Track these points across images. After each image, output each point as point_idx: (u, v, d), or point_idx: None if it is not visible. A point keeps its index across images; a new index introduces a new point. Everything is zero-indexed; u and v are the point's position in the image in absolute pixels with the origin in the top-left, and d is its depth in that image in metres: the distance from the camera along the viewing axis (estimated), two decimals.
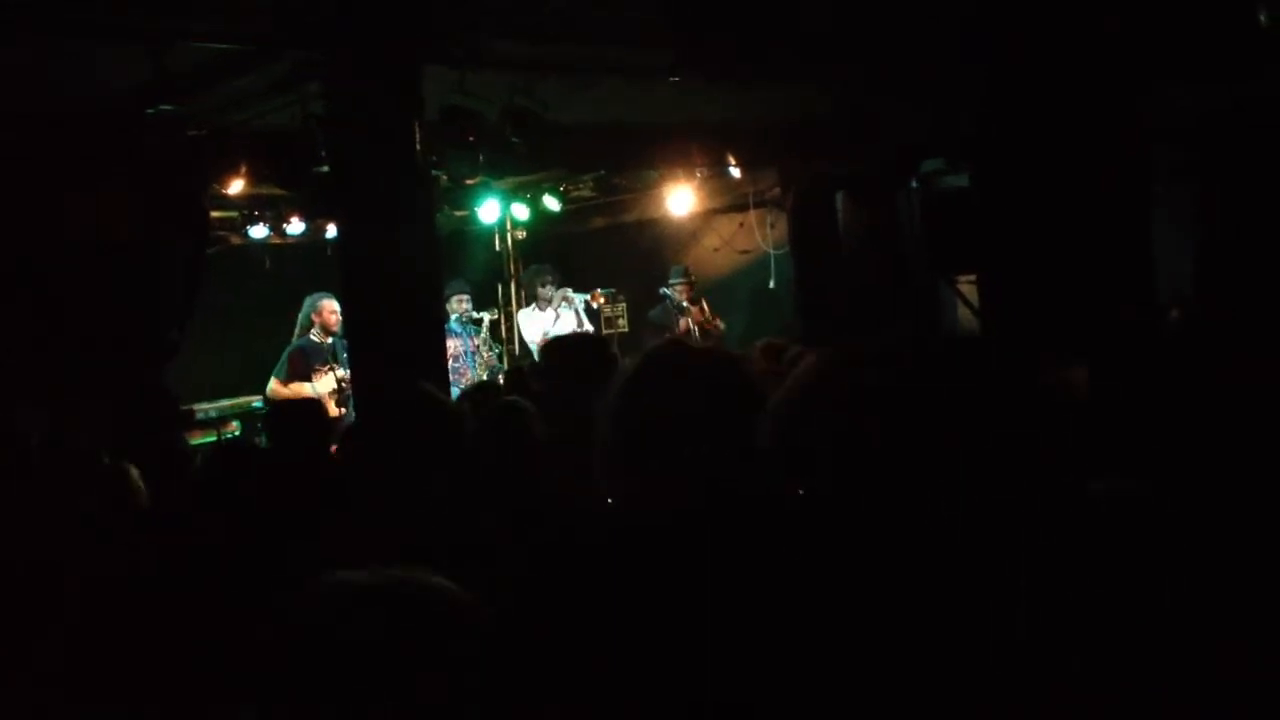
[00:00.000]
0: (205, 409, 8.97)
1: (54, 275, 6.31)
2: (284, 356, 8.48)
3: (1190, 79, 5.86)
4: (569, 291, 9.82)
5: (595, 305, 9.99)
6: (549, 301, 9.83)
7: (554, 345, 4.78)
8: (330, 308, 8.38)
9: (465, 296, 9.64)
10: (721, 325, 9.89)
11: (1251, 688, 1.18)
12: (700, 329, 9.68)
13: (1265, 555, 1.36)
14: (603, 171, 9.96)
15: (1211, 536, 1.45)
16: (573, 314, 9.75)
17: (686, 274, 10.02)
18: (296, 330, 8.60)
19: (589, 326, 9.85)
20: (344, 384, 8.02)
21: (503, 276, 11.51)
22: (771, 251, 10.31)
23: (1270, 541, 1.38)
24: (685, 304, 9.80)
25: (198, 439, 8.02)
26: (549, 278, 9.92)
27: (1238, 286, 5.76)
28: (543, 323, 9.81)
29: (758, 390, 1.89)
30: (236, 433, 9.13)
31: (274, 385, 8.46)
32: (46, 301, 6.28)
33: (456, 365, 9.06)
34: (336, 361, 8.22)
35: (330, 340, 8.39)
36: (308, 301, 8.58)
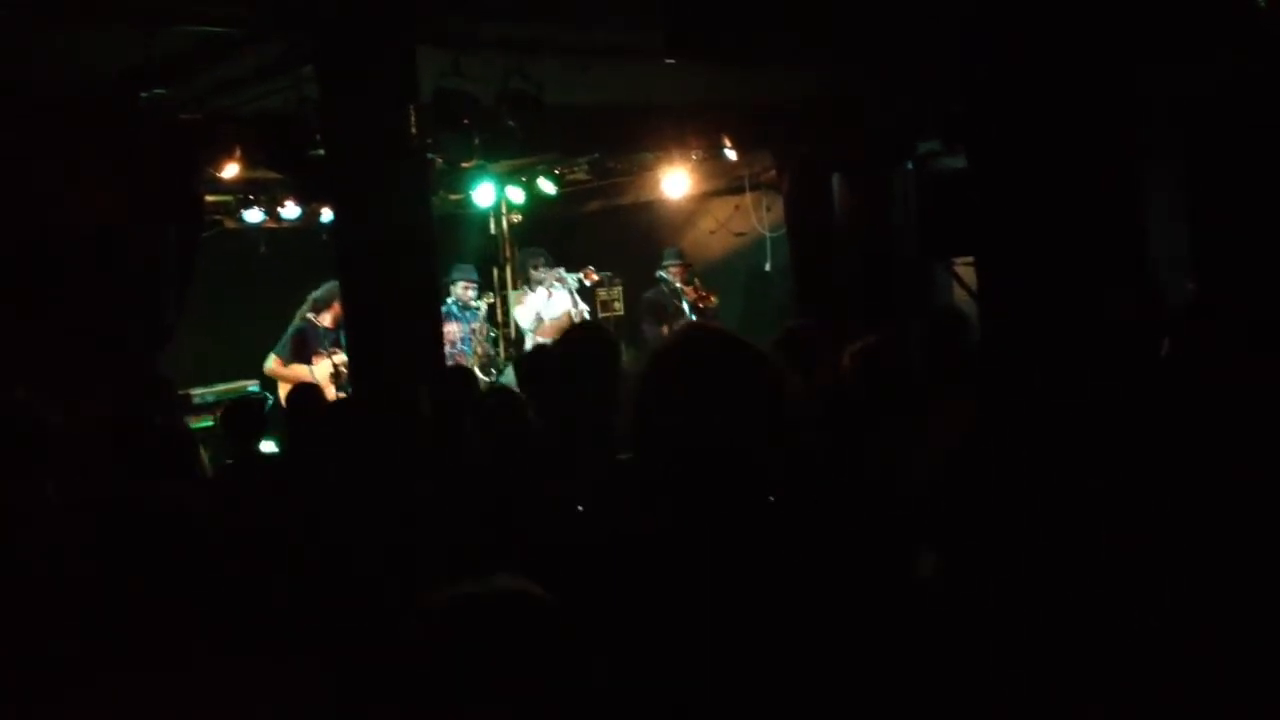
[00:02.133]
0: (201, 394, 8.96)
1: (47, 261, 6.29)
2: (288, 335, 8.45)
3: (1186, 59, 5.84)
4: (561, 271, 9.81)
5: (589, 283, 9.97)
6: (540, 283, 9.82)
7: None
8: None
9: (471, 283, 9.63)
10: (714, 300, 9.90)
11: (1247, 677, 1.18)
12: (694, 307, 9.69)
13: (1266, 549, 1.36)
14: (598, 154, 9.94)
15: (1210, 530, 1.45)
16: (566, 294, 9.74)
17: (680, 255, 10.03)
18: (308, 306, 8.51)
19: (583, 306, 9.85)
20: (341, 369, 8.02)
21: (498, 260, 11.49)
22: (767, 234, 10.30)
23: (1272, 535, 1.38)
24: (680, 286, 9.80)
25: (194, 424, 8.03)
26: (541, 260, 9.92)
27: (1236, 272, 5.77)
28: (535, 304, 9.81)
29: (779, 391, 1.82)
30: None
31: (273, 363, 8.44)
32: (40, 288, 6.26)
33: (453, 351, 9.05)
34: (338, 346, 8.21)
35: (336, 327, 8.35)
36: (330, 286, 8.42)
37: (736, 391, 1.75)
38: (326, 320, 8.44)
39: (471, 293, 9.62)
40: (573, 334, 3.66)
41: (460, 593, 1.54)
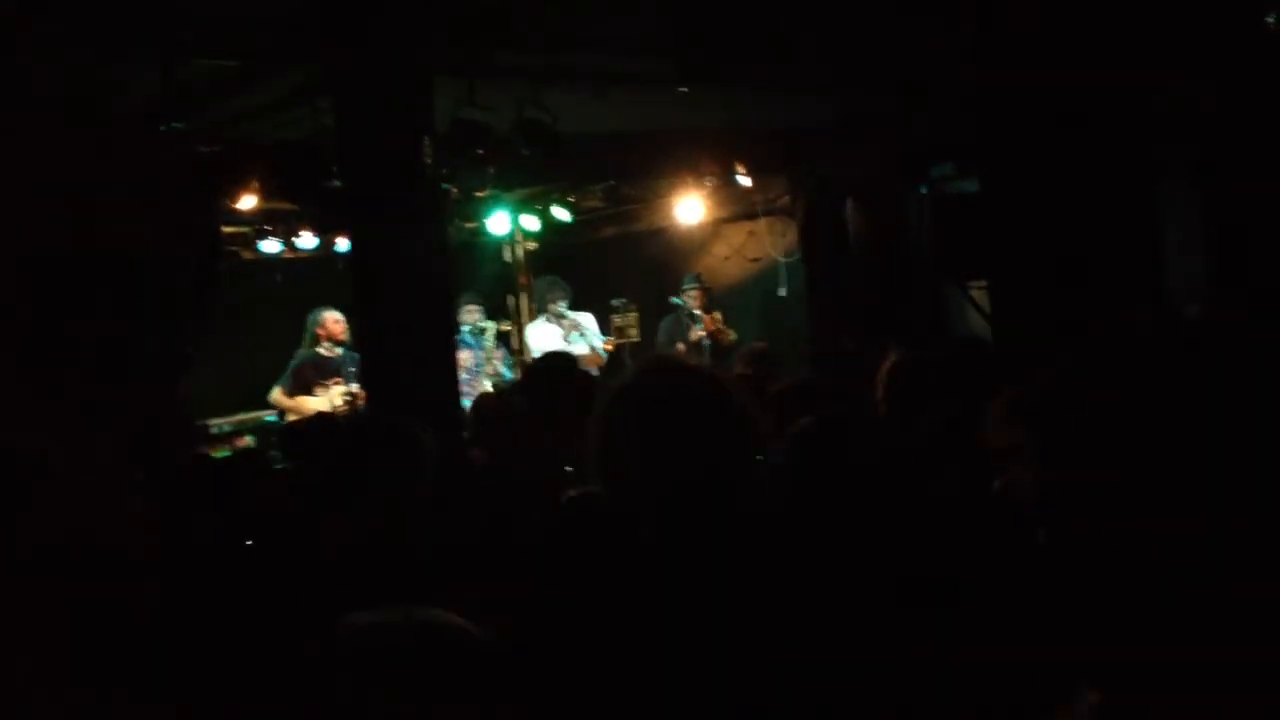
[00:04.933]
0: (218, 423, 9.00)
1: (66, 290, 6.34)
2: (290, 368, 8.55)
3: (1197, 79, 5.84)
4: (579, 321, 9.71)
5: (608, 351, 9.85)
6: (559, 319, 9.73)
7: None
8: (333, 318, 8.51)
9: (476, 307, 9.64)
10: (733, 335, 9.84)
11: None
12: (711, 338, 9.64)
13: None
14: (612, 181, 9.97)
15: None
16: (585, 344, 9.61)
17: (699, 280, 9.95)
18: (304, 343, 8.66)
19: (599, 346, 9.77)
20: (354, 397, 8.06)
21: (513, 288, 11.52)
22: (782, 259, 10.30)
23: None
24: (697, 312, 9.73)
25: (211, 454, 8.07)
26: (561, 293, 9.86)
27: (1251, 286, 5.74)
28: (553, 341, 9.74)
29: (741, 412, 1.93)
30: (251, 447, 9.16)
31: (277, 395, 8.53)
32: (59, 316, 6.31)
33: (467, 379, 9.04)
34: (343, 375, 8.28)
35: (340, 352, 8.45)
36: (310, 317, 8.68)
37: (702, 421, 1.82)
38: (324, 349, 8.53)
39: (478, 318, 9.60)
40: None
41: (382, 620, 1.52)
